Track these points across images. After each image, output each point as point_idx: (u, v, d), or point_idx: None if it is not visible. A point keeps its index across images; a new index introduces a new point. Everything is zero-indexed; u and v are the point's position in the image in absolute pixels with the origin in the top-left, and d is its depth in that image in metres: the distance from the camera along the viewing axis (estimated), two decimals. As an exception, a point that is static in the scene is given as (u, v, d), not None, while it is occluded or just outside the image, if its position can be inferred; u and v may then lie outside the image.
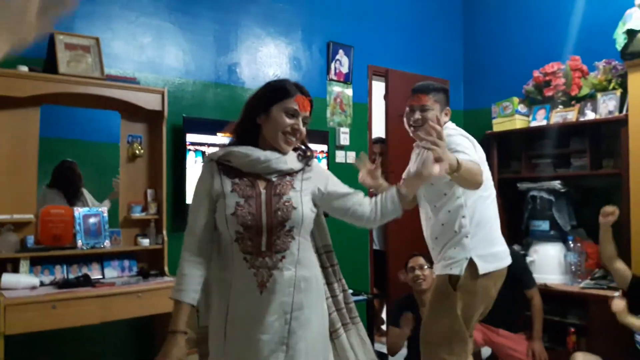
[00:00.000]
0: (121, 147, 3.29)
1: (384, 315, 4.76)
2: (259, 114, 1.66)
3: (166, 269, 3.20)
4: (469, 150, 2.11)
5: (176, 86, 3.52)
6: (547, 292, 3.87)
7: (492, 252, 2.28)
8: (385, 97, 4.63)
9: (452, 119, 2.41)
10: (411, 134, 2.39)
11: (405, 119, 2.38)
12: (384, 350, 3.44)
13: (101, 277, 3.09)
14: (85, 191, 3.25)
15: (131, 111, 3.25)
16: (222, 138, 3.55)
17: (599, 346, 3.32)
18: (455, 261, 2.22)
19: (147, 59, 3.42)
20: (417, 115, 2.30)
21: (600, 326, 3.47)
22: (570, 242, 3.91)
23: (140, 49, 3.40)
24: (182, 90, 3.55)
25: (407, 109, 2.36)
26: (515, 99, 4.32)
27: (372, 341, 3.66)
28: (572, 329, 3.69)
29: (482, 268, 2.21)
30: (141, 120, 3.33)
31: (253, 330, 1.59)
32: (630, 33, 3.45)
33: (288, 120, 1.64)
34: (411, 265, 3.22)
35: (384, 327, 4.66)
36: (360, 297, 3.65)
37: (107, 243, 3.10)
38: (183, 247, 1.66)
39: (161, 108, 3.22)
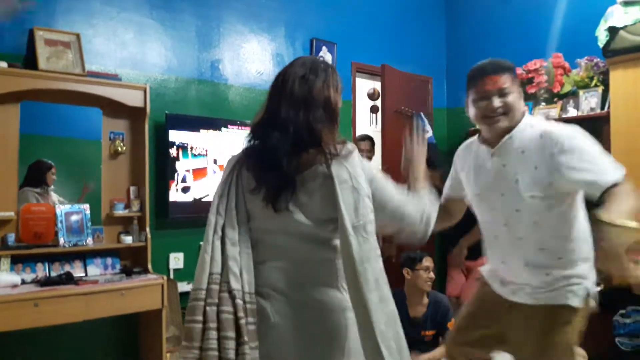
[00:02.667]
0: (103, 144, 3.26)
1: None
2: None
3: (149, 266, 3.18)
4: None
5: (158, 82, 3.49)
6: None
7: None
8: (382, 93, 4.61)
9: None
10: (484, 128, 1.89)
11: (475, 110, 1.87)
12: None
13: (84, 274, 3.07)
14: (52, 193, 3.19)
15: (113, 108, 3.22)
16: (206, 135, 3.54)
17: (581, 344, 3.36)
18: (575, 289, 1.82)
19: (128, 55, 3.39)
20: (497, 102, 1.80)
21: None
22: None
23: (121, 45, 3.37)
24: (164, 87, 3.52)
25: (474, 97, 1.86)
26: (498, 96, 4.34)
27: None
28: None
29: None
30: (123, 117, 3.30)
31: None
32: (612, 30, 3.49)
33: None
34: (427, 265, 3.20)
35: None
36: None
37: (89, 240, 3.08)
38: None
39: (143, 105, 3.20)
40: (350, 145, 1.46)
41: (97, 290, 2.82)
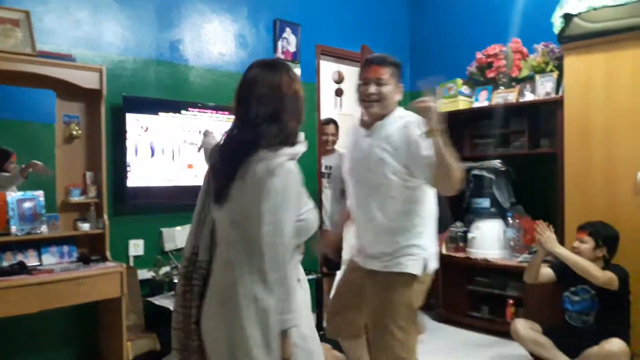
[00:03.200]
0: (57, 128, 3.13)
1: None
2: None
3: (108, 254, 3.10)
4: None
5: (115, 63, 3.37)
6: (488, 266, 4.04)
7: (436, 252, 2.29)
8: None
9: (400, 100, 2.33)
10: (362, 110, 2.24)
11: (357, 93, 2.21)
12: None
13: (38, 264, 2.96)
14: None
15: (67, 90, 3.09)
16: (165, 118, 3.45)
17: (534, 316, 3.49)
18: (415, 259, 2.18)
19: (83, 34, 3.25)
20: (373, 89, 2.14)
21: (536, 297, 3.65)
22: (509, 219, 4.07)
23: (75, 23, 3.22)
24: (121, 68, 3.40)
25: (360, 81, 2.20)
26: (459, 80, 4.41)
27: (321, 320, 3.70)
28: (511, 301, 3.87)
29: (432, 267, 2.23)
30: (78, 99, 3.17)
31: None
32: (567, 17, 3.57)
33: None
34: None
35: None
36: (310, 277, 3.67)
37: (44, 228, 2.97)
38: None
39: (99, 86, 3.08)
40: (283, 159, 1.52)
41: (53, 279, 2.73)
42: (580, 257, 3.10)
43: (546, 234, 3.16)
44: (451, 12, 4.94)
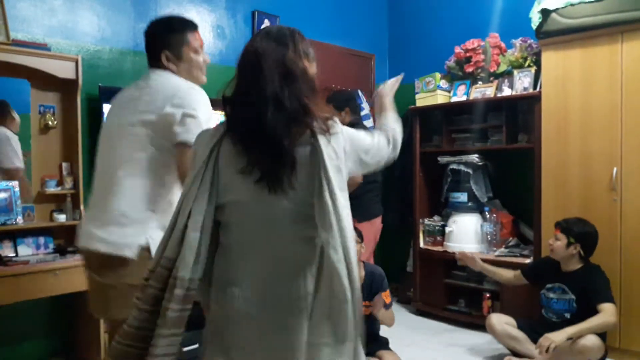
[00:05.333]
0: (32, 118, 3.08)
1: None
2: None
3: (84, 245, 3.06)
4: None
5: (91, 53, 3.32)
6: (465, 260, 4.09)
7: None
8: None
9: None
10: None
11: None
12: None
13: (14, 255, 2.92)
14: None
15: (42, 80, 3.04)
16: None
17: (510, 310, 3.55)
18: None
19: (58, 23, 3.20)
20: None
21: (512, 291, 3.70)
22: (487, 213, 4.11)
23: (50, 12, 3.17)
24: (97, 58, 3.35)
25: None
26: (438, 75, 4.43)
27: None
28: (487, 295, 3.92)
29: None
30: (54, 89, 3.13)
31: None
32: (545, 12, 3.60)
33: None
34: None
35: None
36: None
37: (19, 219, 2.93)
38: None
39: (75, 76, 3.04)
40: (337, 123, 1.42)
41: (28, 271, 2.70)
42: (555, 254, 3.17)
43: (468, 260, 3.51)
44: (430, 6, 4.96)
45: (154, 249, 1.62)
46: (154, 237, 1.72)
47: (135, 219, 1.76)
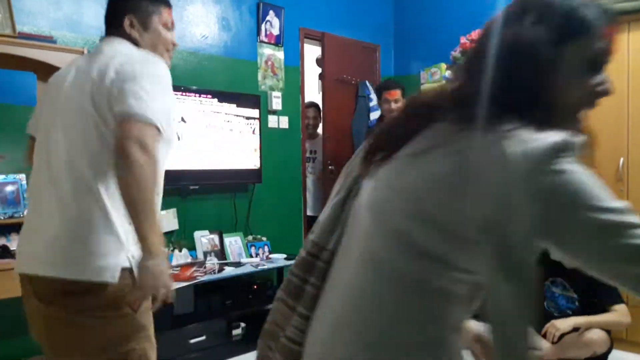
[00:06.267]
0: (38, 111, 3.09)
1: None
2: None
3: (92, 237, 3.08)
4: None
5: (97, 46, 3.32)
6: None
7: None
8: (321, 60, 4.59)
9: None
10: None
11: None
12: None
13: (21, 247, 2.94)
14: None
15: (48, 72, 2.99)
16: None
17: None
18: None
19: (64, 16, 3.20)
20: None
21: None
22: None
23: (56, 4, 3.17)
24: (104, 51, 3.36)
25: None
26: (443, 65, 4.42)
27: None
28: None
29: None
30: (60, 81, 3.14)
31: None
32: (551, 2, 3.59)
33: None
34: None
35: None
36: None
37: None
38: None
39: (81, 69, 3.04)
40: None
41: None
42: None
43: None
44: (436, -4, 4.94)
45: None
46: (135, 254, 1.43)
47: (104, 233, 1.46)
